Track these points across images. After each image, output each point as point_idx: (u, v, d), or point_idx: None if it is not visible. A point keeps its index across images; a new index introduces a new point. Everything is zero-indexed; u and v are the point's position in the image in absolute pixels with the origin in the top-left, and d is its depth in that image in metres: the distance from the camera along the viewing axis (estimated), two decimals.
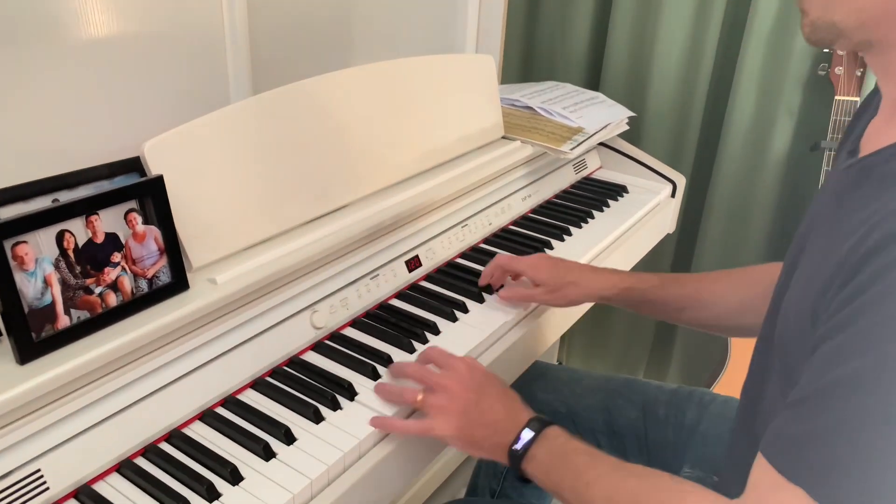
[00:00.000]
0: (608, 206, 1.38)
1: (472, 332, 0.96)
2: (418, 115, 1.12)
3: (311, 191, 0.95)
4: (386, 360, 0.88)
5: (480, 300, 1.03)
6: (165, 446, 0.74)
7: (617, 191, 1.44)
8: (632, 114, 1.51)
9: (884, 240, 0.51)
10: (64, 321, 0.66)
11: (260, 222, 0.88)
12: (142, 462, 0.71)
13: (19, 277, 0.63)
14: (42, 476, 0.65)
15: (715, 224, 1.66)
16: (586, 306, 1.14)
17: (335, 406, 0.80)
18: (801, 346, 0.59)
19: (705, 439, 0.96)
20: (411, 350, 0.91)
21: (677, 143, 1.69)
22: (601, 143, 1.57)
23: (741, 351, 1.58)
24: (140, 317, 0.72)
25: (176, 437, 0.74)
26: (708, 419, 0.98)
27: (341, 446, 0.75)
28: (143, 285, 0.73)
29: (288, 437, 0.75)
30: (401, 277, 1.04)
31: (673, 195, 1.49)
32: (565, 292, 0.98)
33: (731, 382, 1.56)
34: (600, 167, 1.57)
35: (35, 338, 0.64)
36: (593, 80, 1.75)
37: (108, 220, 0.69)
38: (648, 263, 1.66)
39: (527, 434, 0.73)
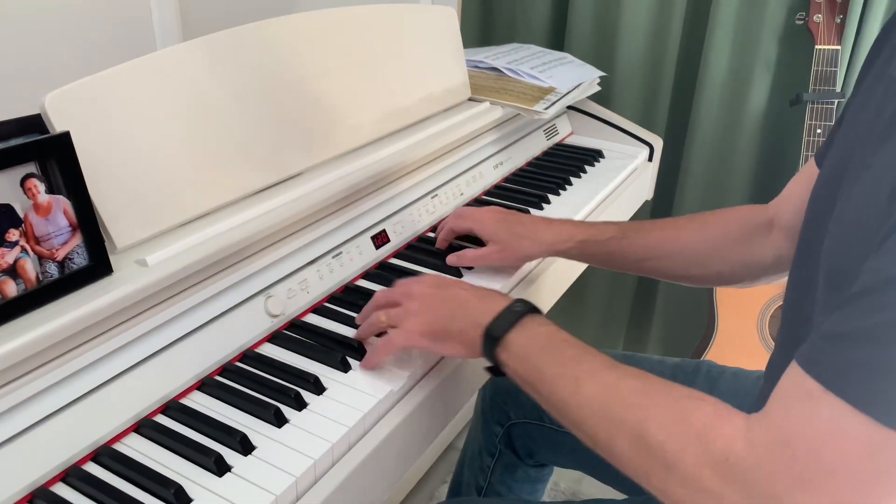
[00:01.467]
0: (585, 171, 1.28)
1: None
2: (377, 70, 0.99)
3: (258, 155, 0.81)
4: (357, 349, 0.75)
5: (458, 274, 0.91)
6: (92, 467, 0.59)
7: (592, 156, 1.33)
8: (602, 73, 1.41)
9: None
10: None
11: (197, 193, 0.74)
12: (60, 489, 0.57)
13: None
14: None
15: (692, 188, 1.58)
16: (578, 268, 1.04)
17: (300, 405, 0.67)
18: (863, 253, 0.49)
19: None
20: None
21: (649, 104, 1.60)
22: (571, 108, 1.47)
23: (730, 319, 1.50)
24: (49, 309, 0.58)
25: (105, 454, 0.60)
26: (719, 393, 0.88)
27: (311, 453, 0.62)
28: (53, 270, 0.58)
29: (245, 446, 0.62)
30: (367, 255, 0.91)
31: (650, 159, 1.40)
32: (517, 247, 0.89)
33: (722, 354, 1.48)
34: (572, 133, 1.47)
35: None
36: (557, 41, 1.65)
37: (1, 188, 0.54)
38: None
39: (510, 313, 0.64)
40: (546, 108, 1.17)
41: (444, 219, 1.05)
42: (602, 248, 0.89)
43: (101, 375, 0.61)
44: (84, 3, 0.84)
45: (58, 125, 0.61)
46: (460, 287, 0.71)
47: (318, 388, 0.69)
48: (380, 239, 0.94)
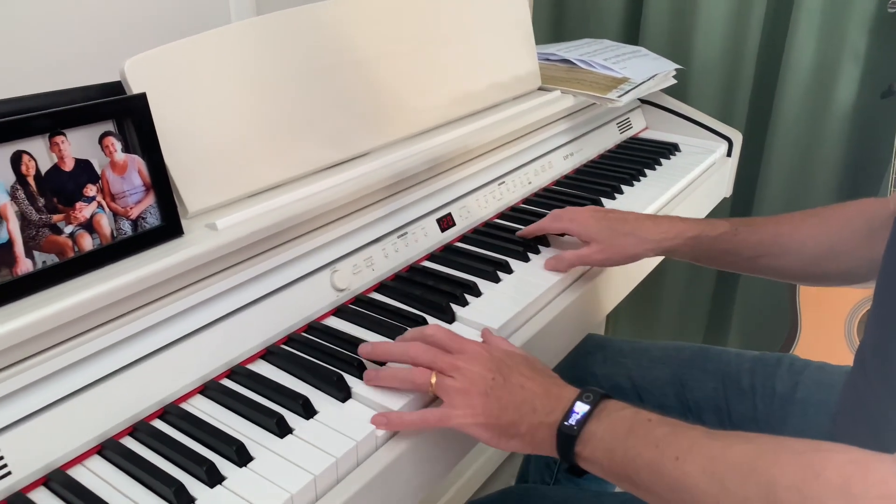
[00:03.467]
0: (660, 164, 1.24)
1: (515, 296, 0.81)
2: (447, 53, 0.99)
3: (328, 132, 0.82)
4: (421, 325, 0.74)
5: (525, 259, 0.89)
6: (159, 423, 0.60)
7: (668, 149, 1.29)
8: (679, 66, 1.37)
9: None
10: (25, 265, 0.54)
11: (267, 164, 0.75)
12: (129, 442, 0.58)
13: None
14: (2, 459, 0.52)
15: (774, 185, 1.51)
16: (648, 266, 1.00)
17: (360, 372, 0.66)
18: None
19: (805, 408, 0.81)
20: (451, 315, 0.77)
21: (728, 98, 1.54)
22: (645, 102, 1.43)
23: (813, 313, 1.42)
24: (123, 264, 0.59)
25: (171, 412, 0.61)
26: (805, 386, 0.83)
27: (367, 422, 0.61)
28: (126, 227, 0.60)
29: (307, 410, 0.61)
30: (432, 237, 0.90)
31: (729, 154, 1.34)
32: (622, 246, 0.83)
33: (808, 348, 1.40)
34: (646, 128, 1.43)
35: None
36: (632, 36, 1.61)
37: (79, 144, 0.56)
38: None
39: (580, 407, 0.57)
40: (619, 97, 1.14)
41: (511, 206, 1.03)
42: (714, 245, 0.83)
43: (168, 335, 0.62)
44: None
45: (136, 89, 0.63)
46: (522, 375, 0.61)
47: (381, 361, 0.68)
48: (445, 222, 0.93)
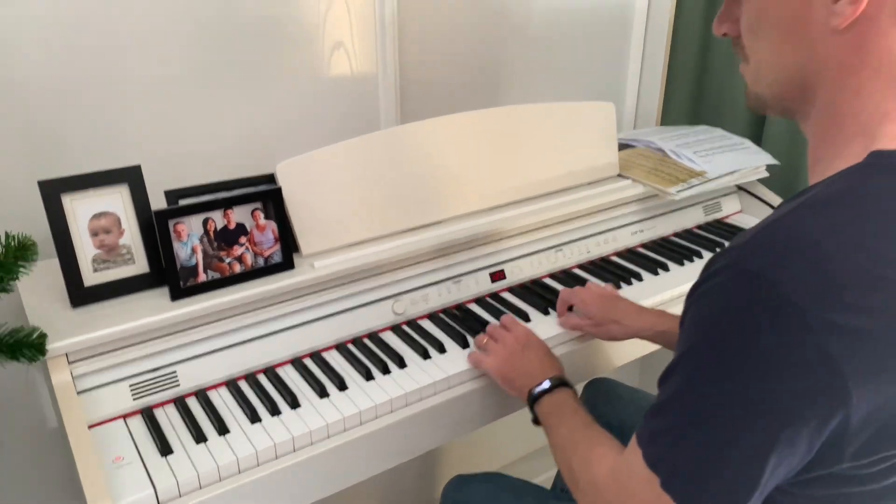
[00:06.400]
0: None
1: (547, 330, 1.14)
2: (526, 152, 1.32)
3: (413, 206, 1.20)
4: (439, 348, 1.10)
5: (546, 312, 1.20)
6: (261, 377, 1.04)
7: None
8: (774, 161, 1.53)
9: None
10: (202, 277, 1.00)
11: (363, 226, 1.16)
12: (242, 385, 1.03)
13: (176, 245, 0.97)
14: (176, 376, 0.99)
15: None
16: (645, 346, 1.23)
17: (385, 371, 1.05)
18: None
19: None
20: (464, 342, 1.12)
21: None
22: (744, 190, 1.60)
23: None
24: (254, 282, 1.04)
25: (269, 372, 1.05)
26: None
27: (392, 392, 1.00)
28: (260, 261, 1.04)
29: (341, 386, 1.01)
30: (482, 285, 1.25)
31: None
32: (608, 328, 1.11)
33: None
34: (739, 211, 1.60)
35: (182, 285, 0.99)
36: (758, 129, 1.77)
37: (239, 214, 1.02)
38: None
39: (545, 384, 0.94)
40: (679, 192, 1.38)
41: (564, 269, 1.33)
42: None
43: (276, 326, 1.05)
44: (331, 85, 1.32)
45: (282, 181, 1.07)
46: (535, 352, 1.01)
47: (401, 364, 1.06)
48: (497, 276, 1.26)
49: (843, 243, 0.53)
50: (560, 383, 0.94)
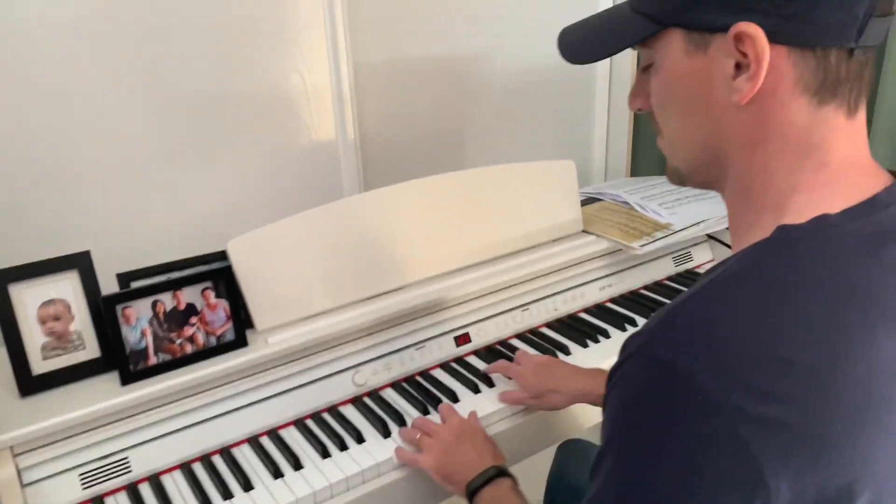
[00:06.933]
0: None
1: (486, 405, 1.12)
2: (488, 214, 1.32)
3: (372, 274, 1.20)
4: (399, 421, 1.08)
5: (492, 385, 1.18)
6: (216, 458, 1.02)
7: None
8: None
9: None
10: (152, 360, 0.99)
11: (320, 298, 1.15)
12: (196, 468, 1.01)
13: (125, 329, 0.97)
14: (128, 462, 0.97)
15: None
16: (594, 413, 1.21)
17: (343, 447, 1.03)
18: None
19: None
20: (425, 411, 1.10)
21: None
22: (715, 238, 1.60)
23: None
24: (205, 362, 1.03)
25: (224, 453, 1.03)
26: None
27: (332, 478, 0.97)
28: (212, 341, 1.04)
29: (296, 466, 0.99)
30: (447, 350, 1.24)
31: None
32: (548, 399, 1.09)
33: None
34: (711, 260, 1.60)
35: (132, 369, 0.98)
36: None
37: (189, 294, 1.01)
38: None
39: (482, 477, 0.91)
40: (643, 246, 1.37)
41: (531, 328, 1.32)
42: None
43: (231, 405, 1.04)
44: (292, 158, 1.33)
45: (234, 259, 1.07)
46: (470, 443, 0.97)
47: (359, 439, 1.04)
48: (462, 339, 1.25)
49: (749, 327, 0.52)
50: (498, 473, 0.92)
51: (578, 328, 1.32)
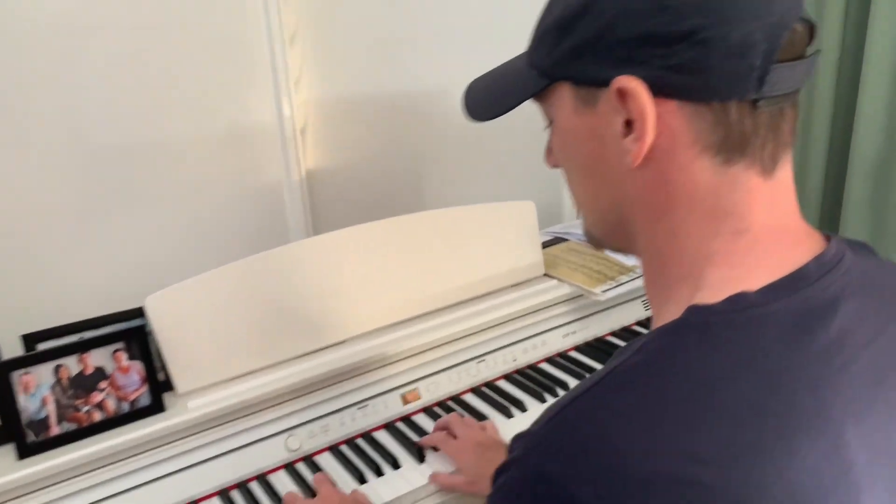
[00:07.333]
0: None
1: (419, 480, 1.01)
2: (442, 259, 1.24)
3: (308, 329, 1.12)
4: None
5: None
6: None
7: None
8: None
9: None
10: (55, 430, 0.91)
11: (248, 357, 1.07)
12: None
13: (22, 398, 0.89)
14: None
15: None
16: None
17: None
18: None
19: None
20: (362, 480, 1.01)
21: None
22: None
23: None
24: (117, 431, 0.95)
25: None
26: None
27: None
28: (125, 406, 0.95)
29: None
30: (392, 409, 1.15)
31: None
32: (481, 487, 0.96)
33: None
34: None
35: (33, 440, 0.90)
36: None
37: (97, 357, 0.93)
38: None
39: None
40: (605, 291, 1.29)
41: (486, 381, 1.23)
42: None
43: (145, 476, 0.95)
44: (233, 202, 1.25)
45: (152, 316, 0.99)
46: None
47: None
48: (410, 396, 1.17)
49: (645, 440, 0.44)
50: None
51: (538, 380, 1.23)
